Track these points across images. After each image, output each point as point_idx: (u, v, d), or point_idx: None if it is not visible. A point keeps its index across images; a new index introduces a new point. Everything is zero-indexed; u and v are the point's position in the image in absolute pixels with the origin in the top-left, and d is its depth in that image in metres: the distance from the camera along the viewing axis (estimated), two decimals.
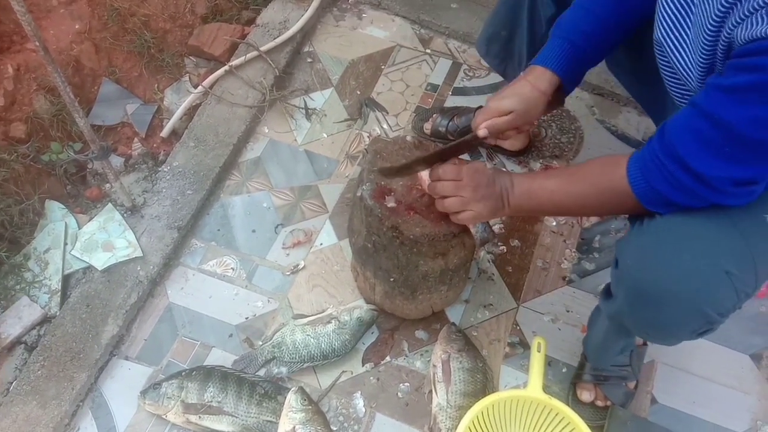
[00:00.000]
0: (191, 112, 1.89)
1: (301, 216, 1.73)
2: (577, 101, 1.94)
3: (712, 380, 1.51)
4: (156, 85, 1.95)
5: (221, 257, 1.66)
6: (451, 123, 1.79)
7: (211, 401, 1.39)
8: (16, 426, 1.38)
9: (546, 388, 1.36)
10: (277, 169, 1.82)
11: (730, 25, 0.81)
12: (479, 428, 1.33)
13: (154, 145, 1.88)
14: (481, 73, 2.01)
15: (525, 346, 1.54)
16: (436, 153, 1.24)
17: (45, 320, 1.53)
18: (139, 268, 1.58)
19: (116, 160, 1.81)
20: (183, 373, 1.43)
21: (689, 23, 0.93)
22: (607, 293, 1.18)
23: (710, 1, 0.86)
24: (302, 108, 1.93)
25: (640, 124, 1.90)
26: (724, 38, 0.84)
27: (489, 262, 1.66)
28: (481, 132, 1.20)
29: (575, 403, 1.43)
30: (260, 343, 1.51)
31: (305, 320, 1.51)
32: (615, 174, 1.01)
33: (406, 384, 1.48)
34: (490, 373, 1.46)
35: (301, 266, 1.64)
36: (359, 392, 1.47)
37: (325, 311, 1.53)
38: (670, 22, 0.96)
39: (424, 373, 1.50)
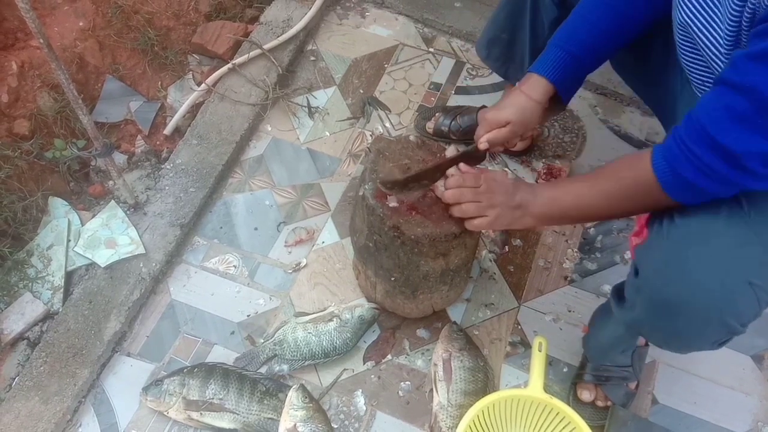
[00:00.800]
0: (194, 109, 1.89)
1: (304, 214, 1.73)
2: (580, 101, 1.94)
3: (714, 381, 1.51)
4: (159, 83, 1.95)
5: (223, 255, 1.67)
6: (453, 122, 1.79)
7: (213, 398, 1.39)
8: (18, 421, 1.39)
9: (547, 388, 1.36)
10: (280, 167, 1.82)
11: None
12: (480, 427, 1.33)
13: (157, 143, 1.88)
14: (484, 72, 2.00)
15: (526, 345, 1.54)
16: (439, 165, 1.24)
17: (48, 316, 1.54)
18: (141, 265, 1.59)
19: (119, 158, 1.81)
20: (185, 370, 1.44)
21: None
22: (619, 297, 1.17)
23: None
24: (305, 106, 1.93)
25: (643, 124, 1.90)
26: (748, 9, 0.83)
27: (491, 261, 1.66)
28: (482, 145, 1.23)
29: (576, 403, 1.43)
30: (262, 340, 1.52)
31: (307, 318, 1.51)
32: (639, 166, 0.99)
33: (407, 382, 1.49)
34: (491, 373, 1.46)
35: (303, 264, 1.64)
36: (360, 390, 1.47)
37: (326, 309, 1.53)
38: (695, 1, 0.95)
39: (425, 372, 1.50)
